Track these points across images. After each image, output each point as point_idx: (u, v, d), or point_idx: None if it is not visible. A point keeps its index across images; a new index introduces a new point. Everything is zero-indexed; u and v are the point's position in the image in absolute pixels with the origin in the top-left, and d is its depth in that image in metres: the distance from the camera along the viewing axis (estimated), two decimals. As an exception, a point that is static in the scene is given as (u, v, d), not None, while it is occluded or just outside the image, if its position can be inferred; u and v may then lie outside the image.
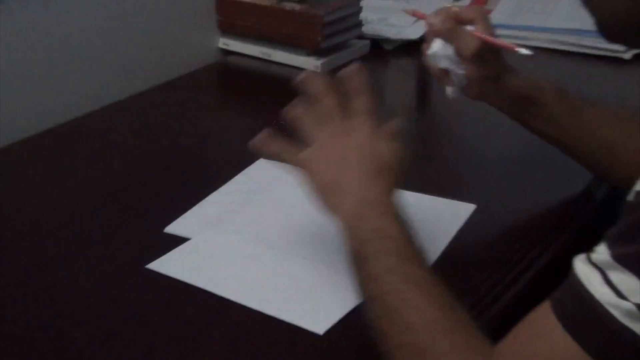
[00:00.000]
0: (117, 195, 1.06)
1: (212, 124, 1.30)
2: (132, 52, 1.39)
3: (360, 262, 0.75)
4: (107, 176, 1.12)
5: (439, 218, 0.97)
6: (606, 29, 0.72)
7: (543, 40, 1.51)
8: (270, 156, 0.87)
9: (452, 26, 0.95)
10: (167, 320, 0.83)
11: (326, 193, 0.80)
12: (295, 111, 0.85)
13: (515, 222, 1.00)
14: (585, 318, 0.59)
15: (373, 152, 0.80)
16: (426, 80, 1.09)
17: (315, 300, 0.85)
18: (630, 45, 0.71)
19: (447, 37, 0.96)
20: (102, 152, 1.19)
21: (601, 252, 0.60)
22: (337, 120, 0.83)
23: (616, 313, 0.58)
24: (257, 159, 1.12)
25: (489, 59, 0.96)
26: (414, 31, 1.53)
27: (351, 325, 0.81)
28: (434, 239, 0.92)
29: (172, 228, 0.96)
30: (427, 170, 1.06)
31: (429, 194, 1.02)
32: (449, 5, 0.98)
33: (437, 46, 0.97)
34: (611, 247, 0.60)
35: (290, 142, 0.84)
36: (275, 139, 0.85)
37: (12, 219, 1.03)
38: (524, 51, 0.94)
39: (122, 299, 0.86)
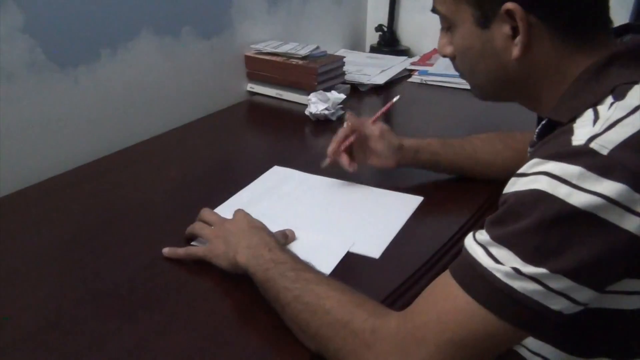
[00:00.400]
0: (175, 195, 1.03)
1: (241, 144, 1.28)
2: (184, 93, 1.37)
3: (268, 284, 0.71)
4: (172, 181, 1.08)
5: (392, 208, 0.95)
6: (475, 94, 0.77)
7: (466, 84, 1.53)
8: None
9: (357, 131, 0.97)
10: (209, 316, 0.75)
11: (226, 255, 0.78)
12: (193, 229, 0.85)
13: (455, 210, 0.96)
14: (477, 279, 0.59)
15: (244, 222, 0.80)
16: (389, 111, 1.13)
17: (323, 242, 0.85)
18: (497, 100, 0.76)
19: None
20: (165, 166, 1.14)
21: (483, 234, 0.60)
22: (219, 222, 0.84)
23: (499, 275, 0.57)
24: (271, 166, 1.11)
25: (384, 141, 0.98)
26: (380, 78, 1.59)
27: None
28: (388, 225, 0.90)
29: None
30: (385, 171, 1.04)
31: (386, 189, 1.00)
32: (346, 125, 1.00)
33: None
34: (489, 230, 0.60)
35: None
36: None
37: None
38: (395, 99, 1.01)
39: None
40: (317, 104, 1.35)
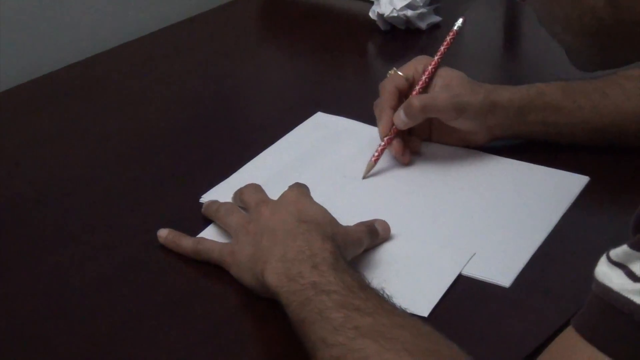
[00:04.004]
0: (144, 152, 1.08)
1: (254, 67, 1.32)
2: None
3: (303, 328, 0.75)
4: (133, 127, 1.14)
5: (549, 190, 0.99)
6: (570, 59, 0.81)
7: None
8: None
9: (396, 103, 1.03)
10: (203, 301, 0.84)
11: (252, 266, 0.83)
12: (217, 212, 0.92)
13: (632, 198, 0.99)
14: (606, 317, 0.62)
15: (291, 209, 0.85)
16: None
17: None
18: (598, 69, 0.81)
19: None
20: (126, 97, 1.22)
21: (619, 247, 0.64)
22: (256, 206, 0.89)
23: (635, 298, 0.60)
24: (312, 113, 1.14)
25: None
26: None
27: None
28: (544, 214, 0.95)
29: (210, 197, 0.96)
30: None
31: (538, 164, 1.04)
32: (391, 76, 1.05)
33: None
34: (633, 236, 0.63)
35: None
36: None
37: (22, 174, 1.04)
38: (459, 22, 1.06)
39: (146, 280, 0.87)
40: (391, -2, 1.34)
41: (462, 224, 0.95)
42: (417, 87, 1.03)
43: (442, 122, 1.04)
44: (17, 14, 1.24)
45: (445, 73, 1.04)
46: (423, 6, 1.37)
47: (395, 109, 1.02)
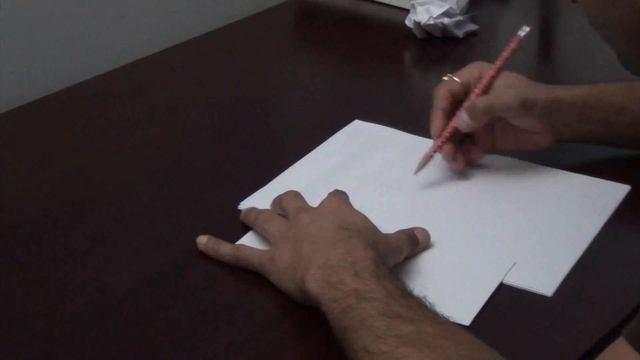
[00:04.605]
0: (182, 159, 1.09)
1: (290, 74, 1.31)
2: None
3: (346, 336, 0.75)
4: (171, 134, 1.14)
5: (590, 199, 0.99)
6: (623, 63, 0.79)
7: None
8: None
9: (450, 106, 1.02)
10: (243, 308, 0.85)
11: (292, 273, 0.83)
12: (256, 219, 0.93)
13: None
14: None
15: (333, 216, 0.86)
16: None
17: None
18: None
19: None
20: (164, 105, 1.22)
21: None
22: (295, 213, 0.89)
23: None
24: (349, 120, 1.14)
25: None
26: None
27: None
28: (585, 223, 0.95)
29: (248, 204, 0.96)
30: (574, 146, 1.06)
31: (577, 172, 1.03)
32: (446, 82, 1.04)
33: None
34: None
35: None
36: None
37: (61, 181, 1.05)
38: (525, 30, 1.05)
39: (186, 289, 0.87)
40: (428, 4, 1.34)
41: (503, 232, 0.94)
42: (477, 90, 1.02)
43: (506, 127, 1.02)
44: (54, 18, 1.26)
45: (505, 75, 1.03)
46: (460, 14, 1.36)
47: (447, 111, 1.02)
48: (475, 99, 1.00)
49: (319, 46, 1.41)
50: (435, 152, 1.01)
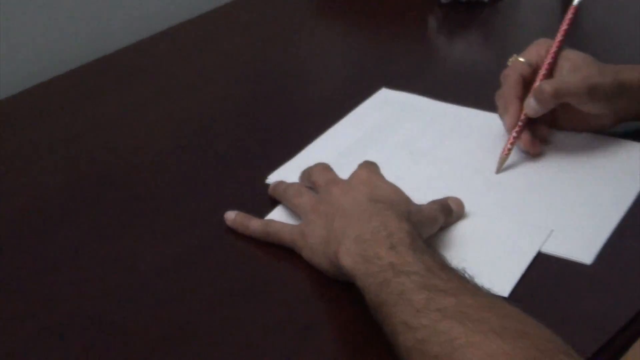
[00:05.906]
0: (207, 134, 1.08)
1: (313, 44, 1.32)
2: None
3: (383, 311, 0.74)
4: (194, 109, 1.14)
5: (628, 164, 0.99)
6: None
7: None
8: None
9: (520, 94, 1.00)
10: (275, 284, 0.84)
11: (325, 248, 0.83)
12: (284, 192, 0.92)
13: None
14: None
15: (364, 188, 0.86)
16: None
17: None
18: None
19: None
20: (186, 79, 1.22)
21: None
22: (326, 185, 0.89)
23: None
24: (375, 89, 1.14)
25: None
26: None
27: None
28: (622, 188, 0.95)
29: (276, 178, 0.96)
30: None
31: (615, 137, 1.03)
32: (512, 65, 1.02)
33: None
34: None
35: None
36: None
37: (86, 159, 1.05)
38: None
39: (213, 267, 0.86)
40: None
41: (539, 200, 0.94)
42: (542, 72, 1.00)
43: (569, 107, 1.01)
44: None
45: (570, 55, 1.01)
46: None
47: (522, 99, 1.00)
48: (543, 82, 0.99)
49: (341, 14, 1.41)
50: (513, 145, 0.99)
